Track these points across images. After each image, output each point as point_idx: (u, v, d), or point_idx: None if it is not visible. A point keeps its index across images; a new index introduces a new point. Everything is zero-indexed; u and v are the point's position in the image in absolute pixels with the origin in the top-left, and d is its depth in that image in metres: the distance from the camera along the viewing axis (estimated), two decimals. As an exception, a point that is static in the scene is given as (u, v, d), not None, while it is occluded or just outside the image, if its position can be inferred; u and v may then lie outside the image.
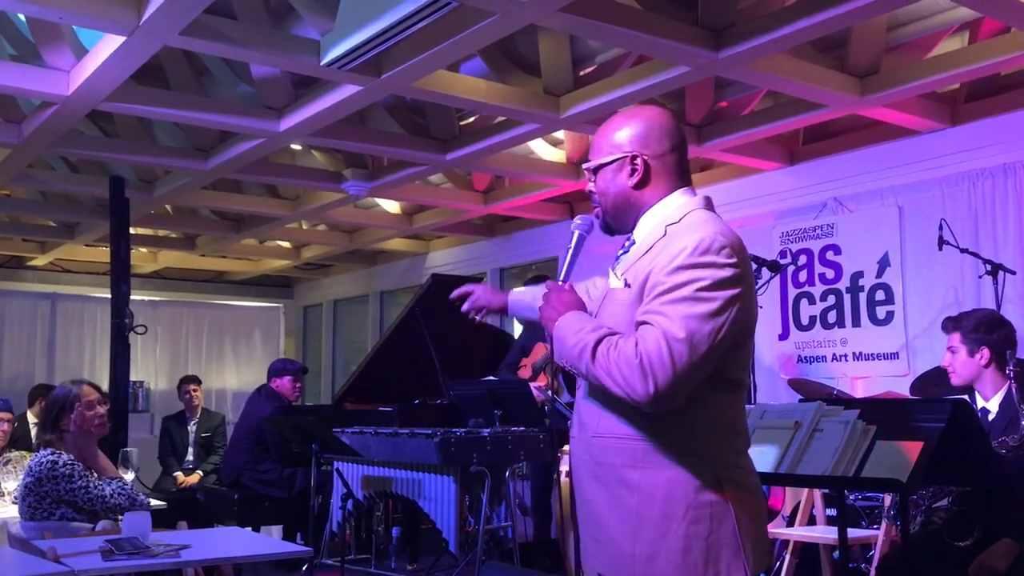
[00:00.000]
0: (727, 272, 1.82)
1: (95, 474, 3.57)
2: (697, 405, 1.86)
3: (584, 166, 2.09)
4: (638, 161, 1.98)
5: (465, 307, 2.38)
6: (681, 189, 1.99)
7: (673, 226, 1.91)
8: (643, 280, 1.88)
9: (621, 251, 2.04)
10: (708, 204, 1.98)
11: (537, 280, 4.72)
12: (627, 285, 1.93)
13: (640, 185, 1.98)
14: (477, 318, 2.40)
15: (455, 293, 2.41)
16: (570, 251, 2.08)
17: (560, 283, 2.05)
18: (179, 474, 7.38)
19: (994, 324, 3.36)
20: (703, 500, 1.85)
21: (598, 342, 1.85)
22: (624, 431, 1.91)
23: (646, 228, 1.98)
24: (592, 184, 2.06)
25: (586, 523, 2.01)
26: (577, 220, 2.09)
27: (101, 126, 6.22)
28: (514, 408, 4.75)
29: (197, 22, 3.93)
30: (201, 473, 7.38)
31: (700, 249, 1.82)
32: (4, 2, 3.81)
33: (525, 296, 2.31)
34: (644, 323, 1.83)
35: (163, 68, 5.11)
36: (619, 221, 2.04)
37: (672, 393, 1.78)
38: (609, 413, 1.93)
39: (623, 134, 2.00)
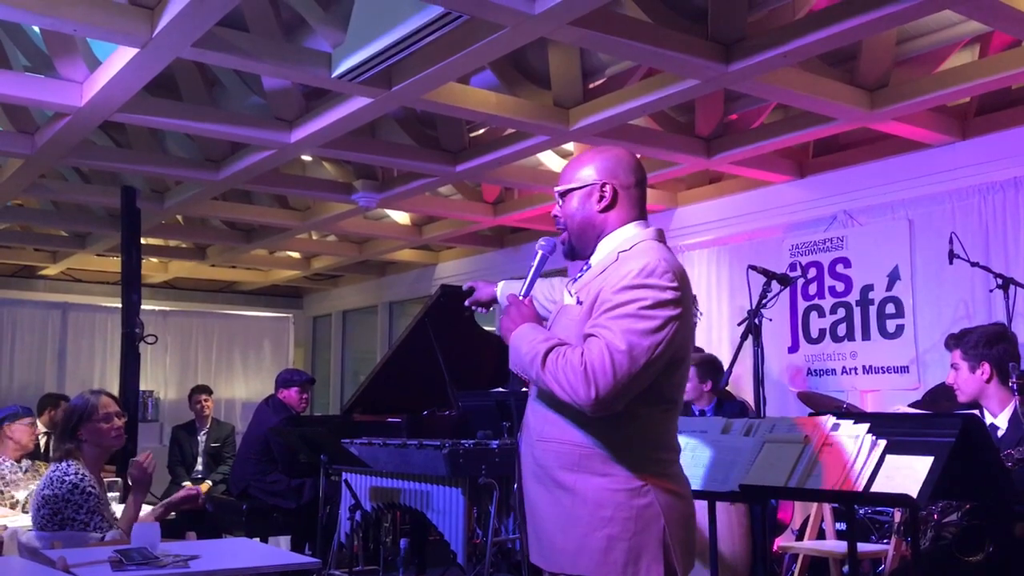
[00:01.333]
0: (668, 295, 2.01)
1: (105, 507, 3.54)
2: (632, 418, 2.05)
3: (556, 189, 2.27)
4: (607, 188, 2.18)
5: (468, 301, 2.54)
6: (637, 221, 2.20)
7: (624, 253, 2.12)
8: (593, 298, 2.08)
9: (579, 274, 2.23)
10: (659, 236, 2.18)
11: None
12: (579, 302, 2.13)
13: (605, 210, 2.19)
14: (481, 311, 2.67)
15: (466, 286, 2.57)
16: (532, 269, 2.31)
17: (521, 297, 2.24)
18: (188, 483, 7.40)
19: (993, 339, 3.34)
20: (632, 504, 2.03)
21: (548, 351, 2.04)
22: (565, 437, 2.09)
23: (601, 253, 2.19)
24: (559, 208, 2.26)
25: (530, 520, 2.19)
26: (541, 241, 2.33)
27: (113, 137, 6.26)
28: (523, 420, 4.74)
29: (210, 34, 3.96)
30: (210, 483, 7.40)
31: (645, 272, 2.02)
32: (19, 14, 3.84)
33: (513, 287, 2.50)
34: (591, 335, 2.02)
35: (175, 80, 5.15)
36: (581, 244, 2.24)
37: (612, 399, 1.97)
38: (554, 420, 2.12)
39: (595, 165, 2.21)
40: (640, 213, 2.21)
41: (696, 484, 2.90)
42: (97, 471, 3.57)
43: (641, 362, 1.96)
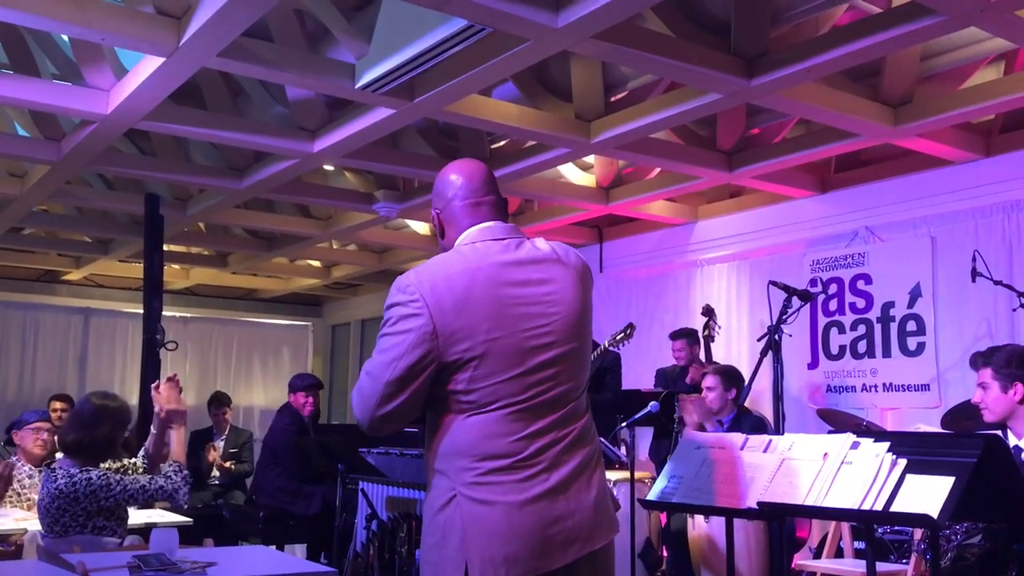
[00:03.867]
0: (406, 309, 2.02)
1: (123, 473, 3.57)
2: (440, 429, 2.05)
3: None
4: (435, 220, 2.24)
5: None
6: (470, 228, 2.15)
7: None
8: None
9: None
10: (477, 236, 2.12)
11: None
12: None
13: (443, 237, 2.22)
14: None
15: None
16: None
17: None
18: (213, 454, 7.53)
19: None
20: (439, 517, 2.03)
21: None
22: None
23: None
24: None
25: None
26: None
27: (138, 144, 6.32)
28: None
29: (235, 45, 4.00)
30: (232, 465, 7.51)
31: (392, 291, 2.06)
32: (49, 23, 3.89)
33: None
34: None
35: (200, 89, 5.19)
36: None
37: (369, 420, 2.04)
38: None
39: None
40: (473, 219, 2.16)
41: (714, 500, 2.88)
42: None
43: (383, 379, 2.00)
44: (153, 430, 3.66)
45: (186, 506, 3.56)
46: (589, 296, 2.18)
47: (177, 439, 3.58)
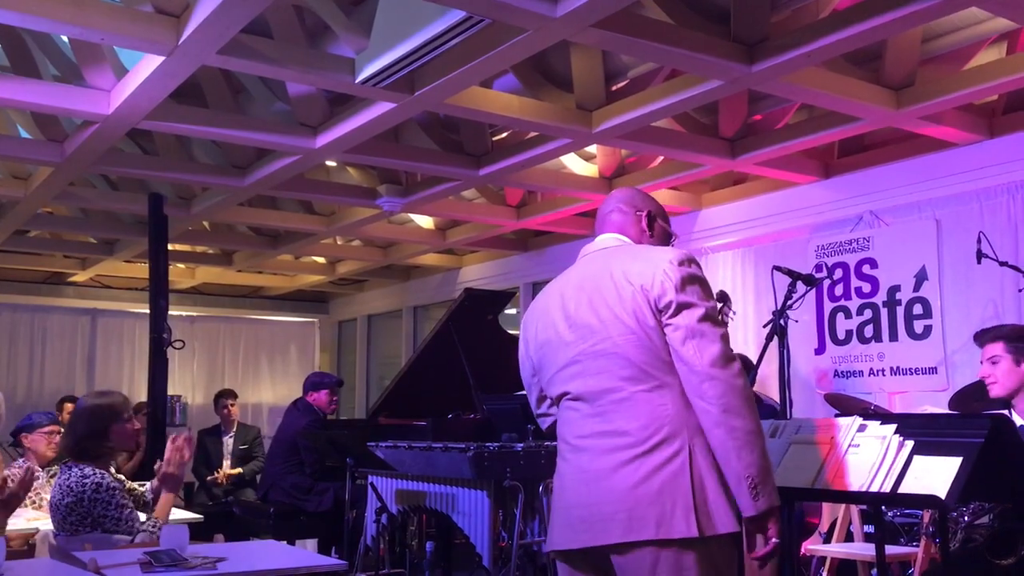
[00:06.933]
0: None
1: (131, 497, 3.59)
2: None
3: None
4: None
5: None
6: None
7: None
8: None
9: None
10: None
11: None
12: None
13: None
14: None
15: None
16: None
17: None
18: (219, 474, 7.56)
19: None
20: None
21: None
22: None
23: None
24: None
25: None
26: None
27: (141, 144, 6.33)
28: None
29: (234, 41, 4.00)
30: (241, 469, 7.56)
31: None
32: (49, 24, 3.90)
33: None
34: None
35: (201, 87, 5.19)
36: None
37: None
38: None
39: None
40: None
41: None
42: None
43: None
44: (156, 481, 3.76)
45: None
46: (639, 298, 2.24)
47: (164, 501, 3.67)
